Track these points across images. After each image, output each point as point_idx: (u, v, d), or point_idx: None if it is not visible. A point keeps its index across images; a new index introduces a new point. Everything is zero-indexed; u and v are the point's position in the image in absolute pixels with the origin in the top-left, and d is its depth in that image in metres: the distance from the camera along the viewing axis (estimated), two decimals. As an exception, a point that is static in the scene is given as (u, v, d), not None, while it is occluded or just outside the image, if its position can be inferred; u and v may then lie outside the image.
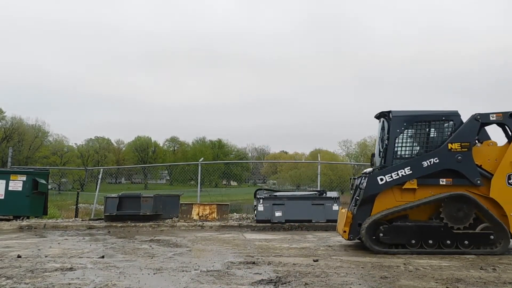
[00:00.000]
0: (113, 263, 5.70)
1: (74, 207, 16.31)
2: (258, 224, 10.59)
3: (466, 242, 6.49)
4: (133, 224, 11.22)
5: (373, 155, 7.81)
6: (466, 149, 6.67)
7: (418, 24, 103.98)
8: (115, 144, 74.65)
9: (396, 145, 6.92)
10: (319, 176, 14.01)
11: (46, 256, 6.29)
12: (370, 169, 7.31)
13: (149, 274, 5.01)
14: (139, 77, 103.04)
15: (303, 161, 54.05)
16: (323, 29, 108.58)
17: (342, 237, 7.07)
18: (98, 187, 15.79)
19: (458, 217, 6.56)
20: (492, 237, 6.48)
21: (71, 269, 5.27)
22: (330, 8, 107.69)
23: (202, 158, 18.81)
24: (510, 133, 6.87)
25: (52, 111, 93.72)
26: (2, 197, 12.11)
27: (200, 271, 5.22)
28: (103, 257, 6.22)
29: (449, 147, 6.70)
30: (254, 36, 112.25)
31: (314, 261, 5.88)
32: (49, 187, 14.64)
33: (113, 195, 12.14)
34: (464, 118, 6.91)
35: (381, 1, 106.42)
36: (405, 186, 6.73)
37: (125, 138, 76.29)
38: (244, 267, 5.44)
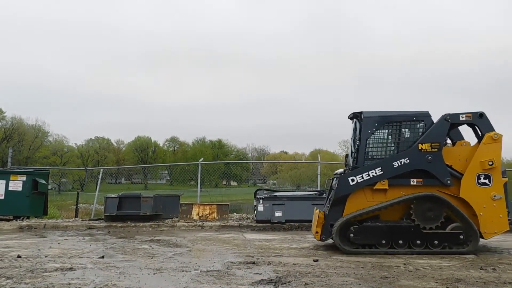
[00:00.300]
0: (113, 263, 5.70)
1: (74, 207, 16.31)
2: (258, 224, 10.59)
3: (435, 242, 6.52)
4: (133, 224, 11.22)
5: (347, 155, 7.83)
6: (436, 150, 6.70)
7: (418, 24, 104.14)
8: (115, 144, 74.72)
9: (367, 145, 6.95)
10: (319, 176, 14.01)
11: (46, 256, 6.29)
12: (341, 170, 7.34)
13: (149, 274, 5.02)
14: (139, 77, 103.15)
15: (303, 161, 54.10)
16: (323, 29, 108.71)
17: (315, 238, 7.07)
18: (98, 187, 15.80)
19: (428, 217, 6.59)
20: (461, 236, 6.51)
21: (71, 269, 5.27)
22: (330, 8, 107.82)
23: (202, 158, 18.82)
24: (480, 133, 6.92)
25: (52, 111, 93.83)
26: (2, 197, 12.12)
27: (200, 271, 5.22)
28: (103, 257, 6.23)
29: (420, 148, 6.73)
30: (254, 36, 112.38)
31: (314, 261, 5.88)
32: (49, 187, 14.64)
33: (113, 195, 12.14)
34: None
35: (381, 1, 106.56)
36: (376, 187, 6.75)
37: (125, 138, 76.40)
38: (244, 267, 5.44)
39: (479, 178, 6.64)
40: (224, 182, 41.60)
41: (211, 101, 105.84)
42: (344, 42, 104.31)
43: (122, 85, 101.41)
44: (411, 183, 6.73)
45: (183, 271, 5.20)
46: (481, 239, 6.65)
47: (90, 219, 13.12)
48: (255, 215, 10.81)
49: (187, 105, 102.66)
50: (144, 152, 73.22)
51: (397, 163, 6.72)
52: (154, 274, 5.02)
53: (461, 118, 6.89)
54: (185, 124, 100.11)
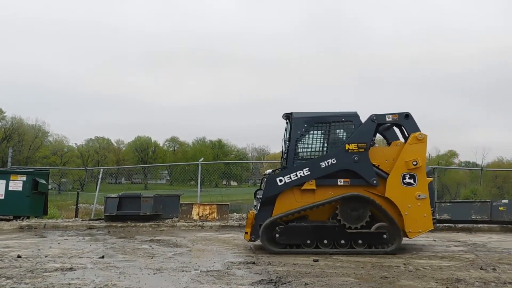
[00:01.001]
0: (113, 263, 5.70)
1: (74, 207, 16.31)
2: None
3: (359, 241, 6.56)
4: (133, 224, 11.22)
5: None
6: (362, 150, 6.75)
7: (418, 24, 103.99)
8: (115, 144, 74.64)
9: (296, 146, 6.98)
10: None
11: (46, 256, 6.29)
12: (270, 170, 7.36)
13: (149, 274, 5.02)
14: (139, 77, 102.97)
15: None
16: (323, 29, 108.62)
17: (244, 238, 7.08)
18: (98, 187, 15.80)
19: (353, 217, 6.62)
20: (385, 236, 6.54)
21: (71, 269, 5.27)
22: (330, 8, 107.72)
23: (202, 158, 18.84)
24: (406, 134, 6.96)
25: (52, 111, 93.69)
26: (2, 197, 12.11)
27: (200, 271, 5.22)
28: (103, 257, 6.23)
29: (346, 148, 6.77)
30: (254, 36, 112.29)
31: (314, 261, 5.88)
32: (49, 187, 14.64)
33: (113, 195, 12.15)
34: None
35: (381, 1, 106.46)
36: (304, 187, 6.77)
37: (125, 138, 76.26)
38: (244, 267, 5.45)
39: (404, 178, 6.70)
40: (224, 182, 41.60)
41: (211, 101, 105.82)
42: (344, 42, 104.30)
43: (122, 85, 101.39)
44: (339, 183, 6.77)
45: (183, 271, 5.20)
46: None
47: (90, 219, 13.12)
48: (255, 215, 10.80)
49: (187, 105, 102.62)
50: (144, 152, 73.18)
51: (325, 164, 6.76)
52: (154, 274, 5.02)
53: (387, 119, 6.98)
54: (185, 124, 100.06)
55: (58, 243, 7.95)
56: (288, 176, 6.76)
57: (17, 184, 12.27)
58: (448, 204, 11.50)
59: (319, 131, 7.07)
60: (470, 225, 10.81)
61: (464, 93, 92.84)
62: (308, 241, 6.58)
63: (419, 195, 6.64)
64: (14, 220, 11.83)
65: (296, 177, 6.74)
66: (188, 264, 5.72)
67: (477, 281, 4.65)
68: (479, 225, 10.78)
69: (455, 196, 29.58)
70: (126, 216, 11.69)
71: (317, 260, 5.91)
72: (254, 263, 5.74)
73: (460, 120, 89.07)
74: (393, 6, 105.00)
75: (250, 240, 6.93)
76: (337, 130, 7.05)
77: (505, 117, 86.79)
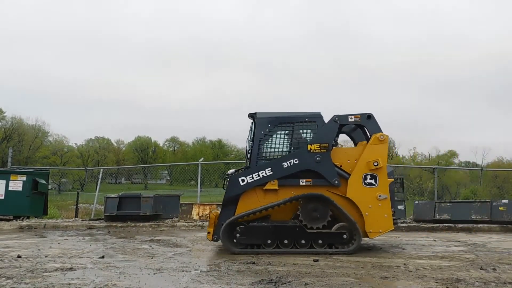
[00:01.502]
0: (113, 263, 5.71)
1: (74, 207, 16.32)
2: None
3: (320, 241, 6.57)
4: (133, 224, 11.23)
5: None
6: (324, 150, 6.76)
7: (418, 28, 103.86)
8: (115, 144, 74.64)
9: (260, 146, 6.99)
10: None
11: (46, 256, 6.29)
12: (233, 170, 7.37)
13: (149, 274, 5.02)
14: (139, 77, 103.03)
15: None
16: (323, 30, 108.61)
17: (207, 238, 7.08)
18: (98, 187, 15.82)
19: (314, 217, 6.62)
20: (345, 236, 6.55)
21: (71, 269, 5.27)
22: (330, 11, 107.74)
23: (202, 158, 18.86)
24: (368, 134, 6.98)
25: (52, 111, 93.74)
26: (2, 197, 12.13)
27: (200, 271, 5.22)
28: (103, 257, 6.23)
29: (309, 148, 6.79)
30: (255, 37, 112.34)
31: (314, 261, 5.88)
32: (49, 187, 14.65)
33: (113, 195, 12.16)
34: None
35: (382, 5, 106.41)
36: (266, 187, 6.77)
37: (125, 138, 76.24)
38: (244, 267, 5.45)
39: (365, 178, 6.72)
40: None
41: (211, 101, 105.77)
42: (344, 43, 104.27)
43: (122, 85, 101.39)
44: (301, 183, 6.77)
45: (183, 271, 5.20)
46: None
47: (90, 219, 13.13)
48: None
49: (187, 105, 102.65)
50: (144, 152, 73.17)
51: (287, 164, 6.77)
52: (154, 274, 5.03)
53: (349, 119, 7.00)
54: (185, 124, 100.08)
55: (58, 243, 7.95)
56: (251, 176, 6.78)
57: (17, 184, 12.28)
58: (448, 204, 11.51)
59: (283, 131, 7.09)
60: (470, 225, 10.81)
61: (465, 93, 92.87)
62: (269, 241, 6.59)
63: (380, 196, 6.66)
64: (14, 220, 11.84)
65: (258, 177, 6.76)
66: (188, 264, 5.73)
67: (477, 281, 4.65)
68: (479, 225, 10.77)
69: (455, 196, 29.54)
70: (126, 216, 11.70)
71: (317, 260, 5.92)
72: (254, 263, 5.74)
73: (460, 120, 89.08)
74: (394, 8, 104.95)
75: (212, 240, 6.93)
76: (301, 131, 7.07)
77: (505, 117, 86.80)
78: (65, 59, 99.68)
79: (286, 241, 6.57)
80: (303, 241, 6.57)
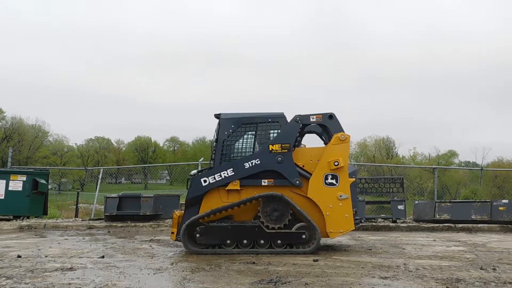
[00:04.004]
0: (113, 263, 5.71)
1: (74, 207, 16.34)
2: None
3: (279, 241, 6.57)
4: (133, 224, 11.23)
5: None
6: (286, 150, 6.78)
7: (419, 24, 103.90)
8: (115, 144, 74.70)
9: (223, 146, 7.01)
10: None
11: (46, 256, 6.29)
12: (195, 171, 7.40)
13: (149, 274, 5.02)
14: (139, 77, 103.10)
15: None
16: (323, 29, 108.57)
17: (171, 238, 7.11)
18: (98, 187, 15.82)
19: (274, 217, 6.64)
20: (304, 236, 6.56)
21: (71, 269, 5.27)
22: (331, 9, 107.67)
23: (202, 158, 18.77)
24: (330, 134, 7.01)
25: (52, 111, 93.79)
26: (2, 197, 12.13)
27: (200, 271, 5.22)
28: (103, 257, 6.23)
29: (270, 149, 6.80)
30: (254, 36, 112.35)
31: (314, 261, 5.88)
32: (49, 187, 14.65)
33: (113, 195, 12.17)
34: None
35: (382, 2, 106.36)
36: (228, 188, 6.78)
37: (125, 138, 76.32)
38: (244, 267, 5.45)
39: (326, 178, 6.72)
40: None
41: (211, 101, 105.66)
42: (344, 42, 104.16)
43: (122, 85, 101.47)
44: (263, 183, 6.78)
45: (183, 271, 5.20)
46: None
47: (90, 219, 13.14)
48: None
49: (187, 105, 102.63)
50: (144, 152, 73.20)
51: (248, 164, 6.79)
52: (154, 274, 5.02)
53: (311, 119, 7.02)
54: (185, 124, 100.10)
55: (58, 243, 7.95)
56: (213, 176, 6.79)
57: (17, 184, 12.28)
58: (448, 204, 11.51)
59: (246, 132, 7.13)
60: (470, 225, 10.82)
61: (464, 93, 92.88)
62: (228, 241, 6.60)
63: (340, 196, 6.67)
64: (14, 220, 11.85)
65: (220, 178, 6.77)
66: (188, 264, 5.72)
67: (477, 281, 4.65)
68: (479, 225, 10.78)
69: (455, 196, 29.54)
70: (126, 216, 11.70)
71: (317, 260, 5.92)
72: (254, 263, 5.74)
73: (460, 120, 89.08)
74: (394, 6, 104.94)
75: (176, 240, 6.95)
76: (264, 131, 7.09)
77: (505, 117, 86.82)
78: (64, 58, 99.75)
79: (245, 241, 6.58)
80: (262, 241, 6.58)
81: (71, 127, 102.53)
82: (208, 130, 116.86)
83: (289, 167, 6.76)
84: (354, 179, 6.99)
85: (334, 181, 6.71)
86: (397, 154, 65.30)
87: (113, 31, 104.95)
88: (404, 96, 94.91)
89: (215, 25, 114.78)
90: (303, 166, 6.85)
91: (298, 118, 6.95)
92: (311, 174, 6.78)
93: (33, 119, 60.09)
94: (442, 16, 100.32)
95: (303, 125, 7.02)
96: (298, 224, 6.65)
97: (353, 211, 6.76)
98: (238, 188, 6.78)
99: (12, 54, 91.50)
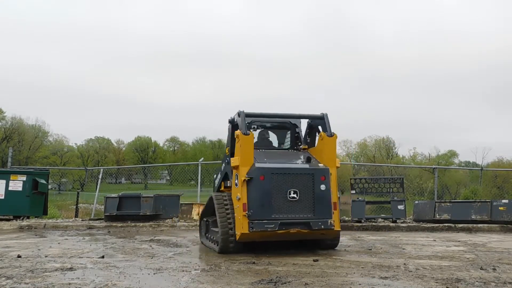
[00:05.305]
0: (113, 263, 5.71)
1: (74, 207, 16.34)
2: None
3: None
4: (133, 224, 11.23)
5: None
6: (228, 153, 7.26)
7: (419, 24, 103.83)
8: (115, 144, 74.77)
9: None
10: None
11: (46, 256, 6.29)
12: None
13: (149, 274, 5.02)
14: (139, 77, 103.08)
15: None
16: (323, 29, 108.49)
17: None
18: (98, 187, 15.82)
19: None
20: None
21: (71, 269, 5.27)
22: (331, 10, 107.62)
23: (202, 158, 18.81)
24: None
25: (52, 111, 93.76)
26: (2, 197, 12.11)
27: (200, 271, 5.23)
28: (103, 257, 6.23)
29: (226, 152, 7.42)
30: (255, 37, 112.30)
31: (314, 261, 5.88)
32: (49, 187, 14.64)
33: (113, 195, 12.16)
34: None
35: (382, 2, 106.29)
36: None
37: (125, 138, 76.41)
38: (244, 267, 5.45)
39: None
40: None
41: (211, 101, 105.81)
42: (345, 42, 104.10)
43: (122, 85, 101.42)
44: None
45: (183, 271, 5.20)
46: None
47: (90, 219, 13.13)
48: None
49: (187, 105, 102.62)
50: (144, 152, 73.25)
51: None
52: (154, 274, 5.02)
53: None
54: (185, 124, 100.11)
55: (58, 243, 7.95)
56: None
57: (17, 184, 12.27)
58: (448, 204, 11.51)
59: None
60: (470, 225, 10.81)
61: (464, 93, 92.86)
62: None
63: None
64: (14, 220, 11.83)
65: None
66: (188, 264, 5.73)
67: (477, 281, 4.65)
68: (479, 225, 10.77)
69: (455, 196, 29.54)
70: (126, 216, 11.70)
71: (317, 260, 5.92)
72: (254, 263, 5.74)
73: (460, 120, 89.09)
74: (394, 6, 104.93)
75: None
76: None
77: (505, 117, 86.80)
78: (64, 58, 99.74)
79: None
80: None
81: (71, 127, 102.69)
82: (208, 130, 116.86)
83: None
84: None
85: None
86: (397, 154, 65.39)
87: (113, 31, 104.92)
88: (404, 96, 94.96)
89: (215, 25, 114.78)
90: None
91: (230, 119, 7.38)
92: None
93: (33, 119, 60.21)
94: (442, 16, 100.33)
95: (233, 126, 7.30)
96: None
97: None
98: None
99: (12, 54, 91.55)
